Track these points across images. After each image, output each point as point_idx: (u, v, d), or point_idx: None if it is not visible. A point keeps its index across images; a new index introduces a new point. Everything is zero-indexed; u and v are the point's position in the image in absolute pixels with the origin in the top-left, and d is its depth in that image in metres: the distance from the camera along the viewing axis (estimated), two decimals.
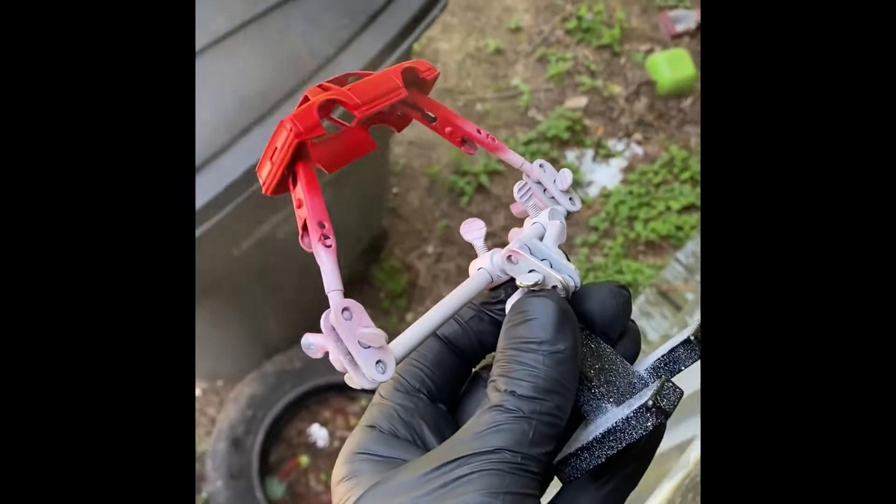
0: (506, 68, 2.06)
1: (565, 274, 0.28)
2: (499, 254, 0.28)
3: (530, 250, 0.28)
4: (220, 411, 1.46)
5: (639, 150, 1.96)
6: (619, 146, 1.96)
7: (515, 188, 0.32)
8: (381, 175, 1.43)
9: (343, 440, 1.54)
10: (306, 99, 0.27)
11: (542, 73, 2.05)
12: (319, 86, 0.28)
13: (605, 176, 1.93)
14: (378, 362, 0.24)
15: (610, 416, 0.26)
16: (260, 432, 1.39)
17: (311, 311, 1.54)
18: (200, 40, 0.92)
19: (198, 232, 0.90)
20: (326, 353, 0.25)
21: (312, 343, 0.25)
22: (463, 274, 1.88)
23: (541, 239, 0.29)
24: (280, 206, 1.09)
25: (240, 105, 0.92)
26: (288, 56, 0.95)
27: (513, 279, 0.28)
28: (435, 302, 1.52)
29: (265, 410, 1.41)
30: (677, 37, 2.11)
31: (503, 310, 0.28)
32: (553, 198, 0.32)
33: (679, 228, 1.80)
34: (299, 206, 0.27)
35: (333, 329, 0.24)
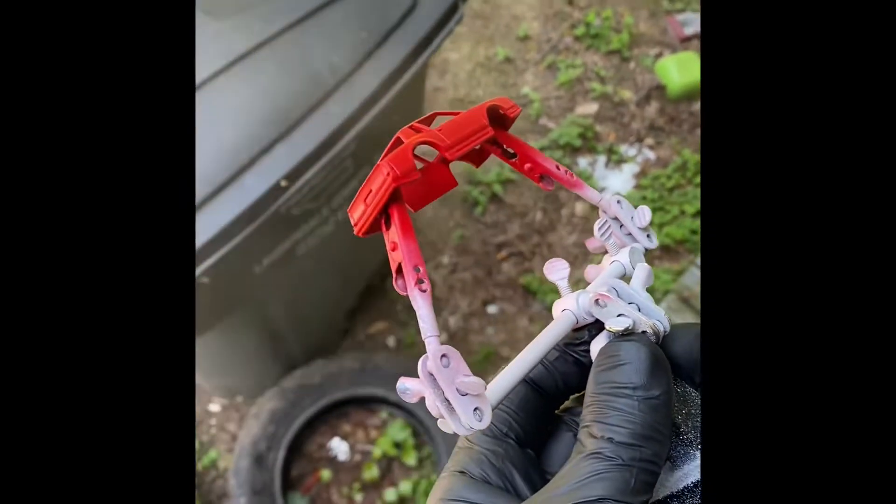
0: (516, 76, 2.06)
1: (655, 318, 0.28)
2: (585, 296, 0.28)
3: (617, 293, 0.28)
4: (241, 427, 1.46)
5: (651, 155, 1.95)
6: (632, 151, 1.96)
7: (596, 225, 0.32)
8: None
9: (364, 453, 1.53)
10: (398, 140, 0.27)
11: (552, 81, 2.05)
12: (410, 126, 0.28)
13: (619, 181, 1.92)
14: (475, 409, 0.24)
15: (699, 463, 0.26)
16: (282, 448, 1.39)
17: (328, 326, 1.55)
18: (221, 60, 0.92)
19: (221, 251, 0.90)
20: (422, 398, 0.25)
21: (408, 388, 0.25)
22: (479, 284, 1.87)
23: (622, 278, 0.29)
24: (299, 224, 1.09)
25: (262, 123, 0.92)
26: (308, 72, 0.95)
27: (597, 320, 0.28)
28: (452, 313, 1.51)
29: (286, 426, 1.41)
30: (686, 40, 2.11)
31: (587, 351, 0.28)
32: (630, 234, 0.32)
33: (694, 233, 1.80)
34: (393, 249, 0.27)
35: (431, 375, 0.24)
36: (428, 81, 2.06)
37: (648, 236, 0.32)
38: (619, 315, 0.27)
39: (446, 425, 0.25)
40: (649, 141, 1.97)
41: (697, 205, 1.85)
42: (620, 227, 0.32)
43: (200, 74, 0.90)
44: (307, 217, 1.11)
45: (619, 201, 0.31)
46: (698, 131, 1.99)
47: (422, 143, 0.26)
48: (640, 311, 0.28)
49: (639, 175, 1.93)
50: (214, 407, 1.59)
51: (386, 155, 0.27)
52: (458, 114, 0.28)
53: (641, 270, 0.29)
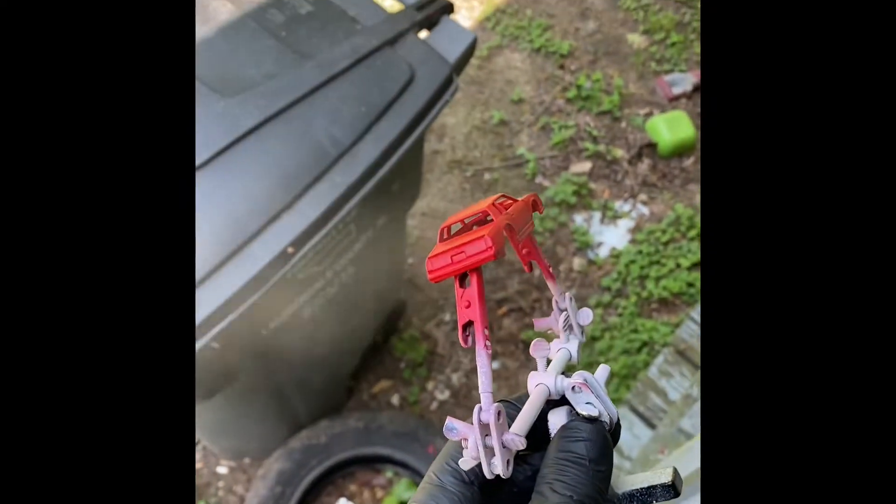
0: (511, 138, 2.13)
1: (610, 412, 0.33)
2: (563, 381, 0.34)
3: (588, 384, 0.34)
4: (249, 489, 1.47)
5: (645, 211, 2.01)
6: (626, 207, 2.01)
7: (556, 315, 0.38)
8: (399, 249, 1.48)
9: None
10: (485, 214, 0.33)
11: (546, 141, 2.12)
12: (496, 205, 0.33)
13: (614, 237, 1.97)
14: (508, 461, 0.30)
15: None
16: None
17: (333, 386, 1.58)
18: (229, 135, 0.98)
19: (230, 317, 0.94)
20: (464, 439, 0.30)
21: (456, 428, 0.30)
22: None
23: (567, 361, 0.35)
24: (305, 287, 1.14)
25: (268, 193, 0.97)
26: (311, 145, 1.01)
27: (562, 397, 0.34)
28: (455, 370, 1.54)
29: (293, 487, 1.42)
30: (674, 99, 2.19)
31: (544, 421, 0.34)
32: (571, 326, 0.38)
33: (690, 285, 1.84)
34: (467, 307, 0.32)
35: (485, 425, 0.30)
36: (427, 145, 2.13)
37: (582, 331, 0.39)
38: (587, 402, 0.33)
39: (467, 463, 0.30)
40: (643, 197, 2.03)
41: (692, 258, 1.89)
42: (566, 318, 0.38)
43: (210, 149, 0.95)
44: (312, 280, 1.15)
45: (570, 299, 0.38)
46: (690, 186, 2.05)
47: (506, 225, 0.32)
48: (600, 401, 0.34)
49: (634, 230, 1.98)
50: (222, 469, 1.61)
51: (473, 222, 0.33)
52: (516, 201, 0.35)
53: (603, 371, 0.35)
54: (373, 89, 1.06)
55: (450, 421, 0.30)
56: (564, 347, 0.37)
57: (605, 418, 0.33)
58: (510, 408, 0.34)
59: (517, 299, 1.88)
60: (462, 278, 0.32)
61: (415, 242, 1.96)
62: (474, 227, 0.34)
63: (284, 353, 1.26)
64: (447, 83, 1.11)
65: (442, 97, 1.11)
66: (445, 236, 0.35)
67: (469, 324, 0.32)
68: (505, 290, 1.89)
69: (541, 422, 0.33)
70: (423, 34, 1.16)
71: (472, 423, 0.30)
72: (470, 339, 0.33)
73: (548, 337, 0.38)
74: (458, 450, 0.32)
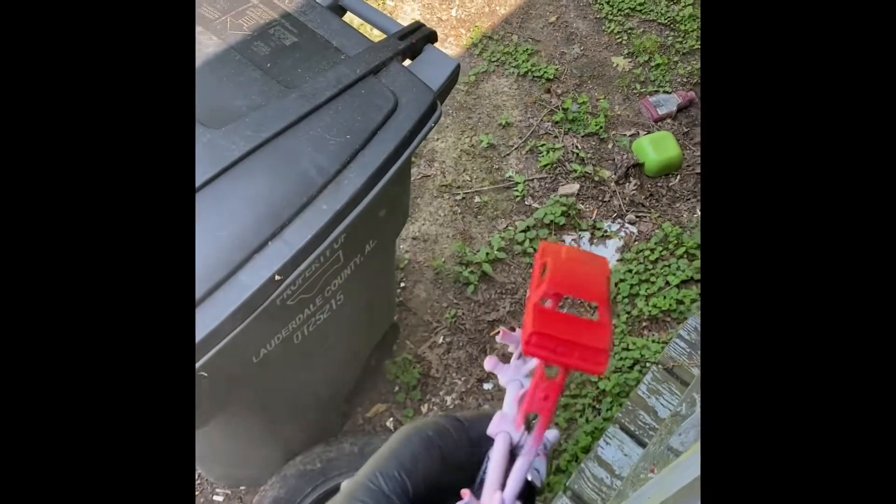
0: (500, 161, 2.16)
1: (543, 475, 0.34)
2: (524, 440, 0.33)
3: (545, 448, 0.34)
4: None
5: (633, 230, 2.03)
6: (614, 227, 2.03)
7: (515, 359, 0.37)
8: (389, 273, 1.49)
9: None
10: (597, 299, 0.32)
11: (534, 164, 2.14)
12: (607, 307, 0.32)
13: (604, 256, 1.99)
14: None
15: None
16: None
17: (327, 411, 1.58)
18: (216, 165, 0.99)
19: (219, 345, 0.95)
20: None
21: None
22: (474, 362, 1.91)
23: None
24: (295, 313, 1.15)
25: (255, 222, 0.99)
26: (297, 174, 1.03)
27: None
28: (449, 392, 1.55)
29: None
30: (659, 120, 2.22)
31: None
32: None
33: (680, 302, 1.85)
34: (544, 398, 0.31)
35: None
36: (416, 169, 2.16)
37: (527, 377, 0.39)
38: (536, 469, 0.33)
39: None
40: (631, 216, 2.05)
41: (681, 276, 1.91)
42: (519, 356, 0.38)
43: (198, 179, 0.97)
44: (302, 307, 1.16)
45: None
46: (677, 205, 2.08)
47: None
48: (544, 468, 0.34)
49: (623, 249, 2.00)
50: (218, 497, 1.61)
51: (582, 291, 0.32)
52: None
53: (554, 436, 0.35)
54: (357, 118, 1.09)
55: (469, 499, 0.30)
56: (516, 380, 0.36)
57: (541, 484, 0.34)
58: (459, 426, 0.34)
59: (509, 320, 1.89)
60: (551, 370, 0.32)
61: (406, 266, 1.98)
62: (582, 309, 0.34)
63: (276, 380, 1.27)
64: (431, 110, 1.13)
65: (426, 124, 1.13)
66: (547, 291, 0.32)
67: (534, 416, 0.32)
68: (497, 312, 1.91)
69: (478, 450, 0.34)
70: (407, 62, 1.19)
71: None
72: (526, 431, 0.33)
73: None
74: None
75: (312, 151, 1.04)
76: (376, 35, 1.23)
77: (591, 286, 0.31)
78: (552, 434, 0.35)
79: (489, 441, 0.34)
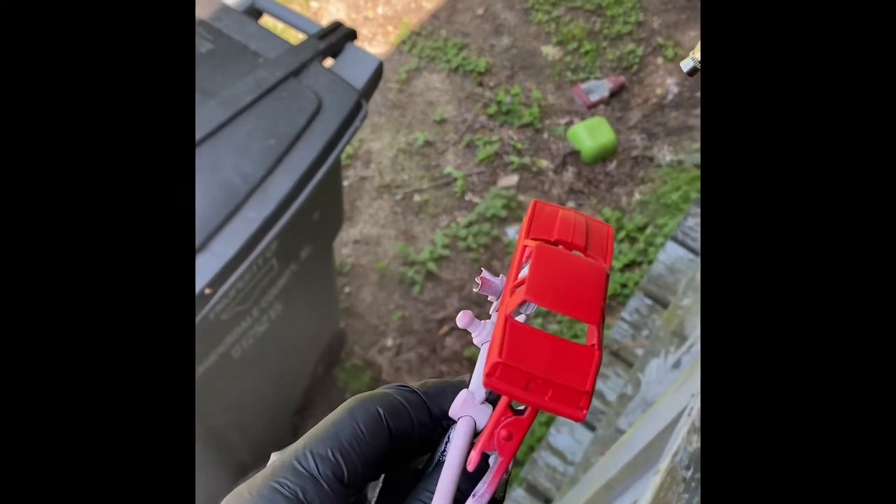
0: (437, 158, 2.15)
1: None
2: (480, 487, 0.28)
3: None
4: None
5: None
6: None
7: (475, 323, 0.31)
8: (329, 278, 1.47)
9: None
10: (588, 321, 0.26)
11: (472, 158, 2.14)
12: (598, 335, 0.27)
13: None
14: None
15: None
16: None
17: (276, 426, 1.55)
18: None
19: None
20: None
21: None
22: (425, 362, 1.89)
23: None
24: (231, 327, 1.11)
25: None
26: (221, 183, 0.99)
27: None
28: None
29: None
30: (593, 106, 2.24)
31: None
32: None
33: (624, 286, 1.87)
34: (506, 438, 0.26)
35: None
36: (353, 171, 2.13)
37: None
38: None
39: None
40: (571, 204, 2.06)
41: (624, 259, 1.92)
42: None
43: None
44: (238, 320, 1.13)
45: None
46: (616, 189, 2.10)
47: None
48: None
49: None
50: None
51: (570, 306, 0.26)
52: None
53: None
54: (280, 121, 1.06)
55: None
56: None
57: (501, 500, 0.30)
58: (416, 400, 0.30)
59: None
60: (521, 412, 0.26)
61: (350, 271, 1.95)
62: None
63: (218, 399, 1.23)
64: (356, 109, 1.11)
65: (352, 123, 1.11)
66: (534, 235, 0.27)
67: (491, 455, 0.27)
68: (445, 310, 1.89)
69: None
70: (329, 62, 1.16)
71: None
72: (451, 399, 0.28)
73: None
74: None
75: (235, 159, 1.01)
76: (299, 38, 1.20)
77: (581, 300, 0.25)
78: None
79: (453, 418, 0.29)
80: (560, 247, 0.28)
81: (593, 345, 0.26)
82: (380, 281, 1.94)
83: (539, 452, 1.23)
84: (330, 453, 0.27)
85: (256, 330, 1.19)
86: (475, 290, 0.31)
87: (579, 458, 1.11)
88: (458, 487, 0.27)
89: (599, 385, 1.23)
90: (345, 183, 2.10)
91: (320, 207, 1.19)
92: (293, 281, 1.22)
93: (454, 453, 0.27)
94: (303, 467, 0.27)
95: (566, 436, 1.19)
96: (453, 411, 0.29)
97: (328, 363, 1.72)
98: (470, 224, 2.00)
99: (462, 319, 0.28)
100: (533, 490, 1.17)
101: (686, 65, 0.34)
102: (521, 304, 0.26)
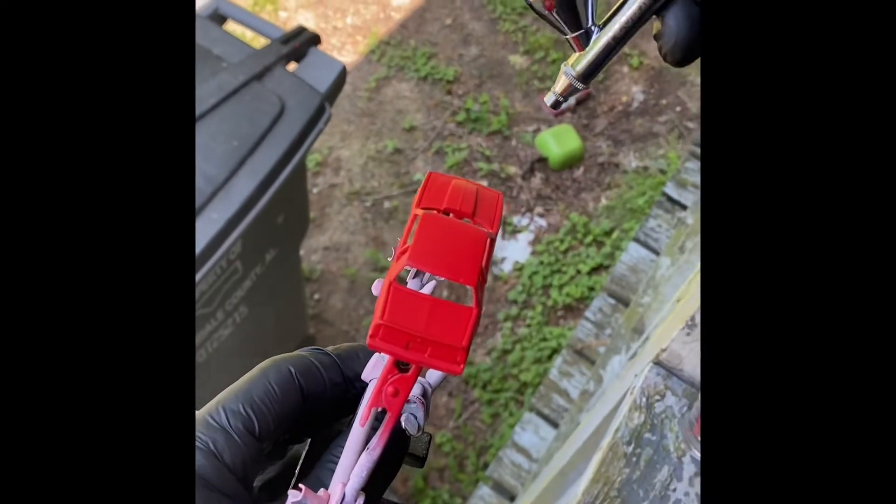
0: (407, 165, 2.16)
1: (422, 422, 0.31)
2: (373, 440, 0.30)
3: (424, 390, 0.31)
4: None
5: (542, 223, 2.07)
6: (524, 221, 2.07)
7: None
8: (296, 283, 1.47)
9: None
10: (465, 280, 0.27)
11: (441, 165, 2.16)
12: (481, 279, 0.28)
13: (516, 251, 2.02)
14: None
15: None
16: None
17: None
18: None
19: None
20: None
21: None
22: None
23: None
24: (196, 330, 1.11)
25: None
26: None
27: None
28: None
29: None
30: (560, 114, 2.27)
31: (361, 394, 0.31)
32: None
33: (591, 289, 1.89)
34: (393, 395, 0.28)
35: None
36: (323, 178, 2.14)
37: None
38: (412, 415, 0.30)
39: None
40: (539, 209, 2.09)
41: (591, 263, 1.95)
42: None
43: None
44: (202, 323, 1.13)
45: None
46: (583, 195, 2.13)
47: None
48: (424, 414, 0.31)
49: (534, 242, 2.03)
50: None
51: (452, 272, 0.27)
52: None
53: (435, 376, 0.32)
54: (243, 124, 1.07)
55: (305, 495, 0.27)
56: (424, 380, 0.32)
57: (418, 431, 0.30)
58: (328, 361, 0.31)
59: None
60: (405, 367, 0.28)
61: (319, 277, 1.95)
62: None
63: None
64: (319, 112, 1.13)
65: (315, 126, 1.12)
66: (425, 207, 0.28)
67: (382, 412, 0.28)
68: None
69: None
70: (292, 67, 1.18)
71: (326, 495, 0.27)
72: (364, 361, 0.30)
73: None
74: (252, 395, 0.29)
75: (198, 160, 1.02)
76: (264, 44, 1.21)
77: (463, 259, 0.27)
78: (434, 375, 0.32)
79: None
80: (450, 215, 0.29)
81: (473, 305, 0.27)
82: (350, 287, 1.95)
83: (504, 451, 1.24)
84: (241, 408, 0.28)
85: (221, 334, 1.19)
86: (388, 258, 0.33)
87: (543, 455, 1.13)
88: (365, 447, 0.29)
89: (563, 383, 1.25)
90: (314, 190, 2.11)
91: (285, 210, 1.20)
92: (259, 284, 1.23)
93: (359, 415, 0.29)
94: (215, 421, 0.28)
95: (531, 434, 1.21)
96: (365, 374, 0.30)
97: None
98: None
99: (375, 288, 0.29)
100: (499, 487, 1.18)
101: (549, 99, 0.36)
102: (406, 269, 0.28)
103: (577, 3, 0.33)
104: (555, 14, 0.33)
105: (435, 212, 0.29)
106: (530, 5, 0.32)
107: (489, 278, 2.02)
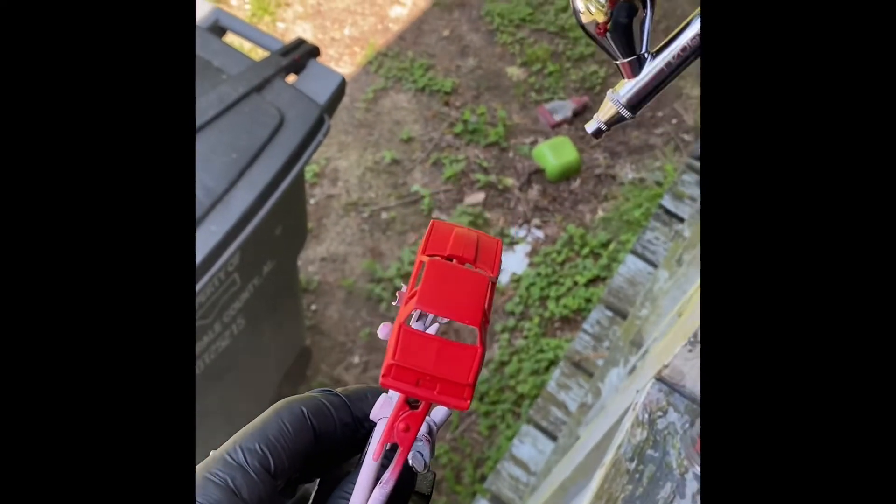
0: (404, 176, 2.16)
1: (429, 459, 0.33)
2: (386, 473, 0.32)
3: (429, 430, 0.33)
4: None
5: (539, 234, 2.07)
6: (521, 233, 2.07)
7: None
8: (293, 295, 1.47)
9: None
10: (469, 320, 0.29)
11: (438, 176, 2.16)
12: (483, 325, 0.29)
13: (513, 262, 2.02)
14: None
15: None
16: None
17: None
18: None
19: None
20: None
21: None
22: None
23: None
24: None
25: None
26: None
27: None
28: None
29: None
30: (557, 126, 2.28)
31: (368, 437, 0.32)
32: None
33: (588, 301, 1.89)
34: (404, 430, 0.29)
35: None
36: (320, 189, 2.14)
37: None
38: (419, 452, 0.32)
39: None
40: (536, 221, 2.09)
41: (588, 274, 1.95)
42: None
43: None
44: (200, 334, 1.12)
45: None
46: (579, 206, 2.13)
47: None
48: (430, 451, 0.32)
49: (531, 253, 2.03)
50: None
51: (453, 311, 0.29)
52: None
53: (444, 413, 0.33)
54: (242, 135, 1.07)
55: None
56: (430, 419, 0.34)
57: (424, 468, 0.32)
58: (338, 402, 0.32)
59: None
60: (415, 405, 0.30)
61: (317, 288, 1.95)
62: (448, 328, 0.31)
63: None
64: (318, 124, 1.13)
65: (314, 138, 1.12)
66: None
67: (394, 447, 0.30)
68: None
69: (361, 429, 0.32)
70: (292, 79, 1.18)
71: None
72: (372, 402, 0.31)
73: None
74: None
75: (198, 172, 1.01)
76: (263, 56, 1.21)
77: (467, 302, 0.29)
78: (440, 413, 0.34)
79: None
80: (453, 261, 0.31)
81: (477, 344, 0.29)
82: (347, 298, 1.94)
83: (502, 464, 1.24)
84: (257, 447, 0.30)
85: (219, 345, 1.19)
86: (394, 303, 0.35)
87: (541, 468, 1.12)
88: (376, 482, 0.30)
89: (562, 396, 1.24)
90: (312, 201, 2.11)
91: (283, 222, 1.20)
92: (256, 296, 1.23)
93: (371, 451, 0.30)
94: (233, 459, 0.30)
95: (529, 446, 1.20)
96: (373, 413, 0.32)
97: (294, 381, 1.71)
98: None
99: (382, 331, 0.31)
100: (497, 500, 1.17)
101: (591, 126, 0.34)
102: (413, 312, 0.30)
103: (633, 27, 0.32)
104: (608, 38, 0.32)
105: (439, 258, 0.30)
106: (582, 27, 0.31)
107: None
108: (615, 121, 0.33)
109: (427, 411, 0.29)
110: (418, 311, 0.32)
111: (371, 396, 0.33)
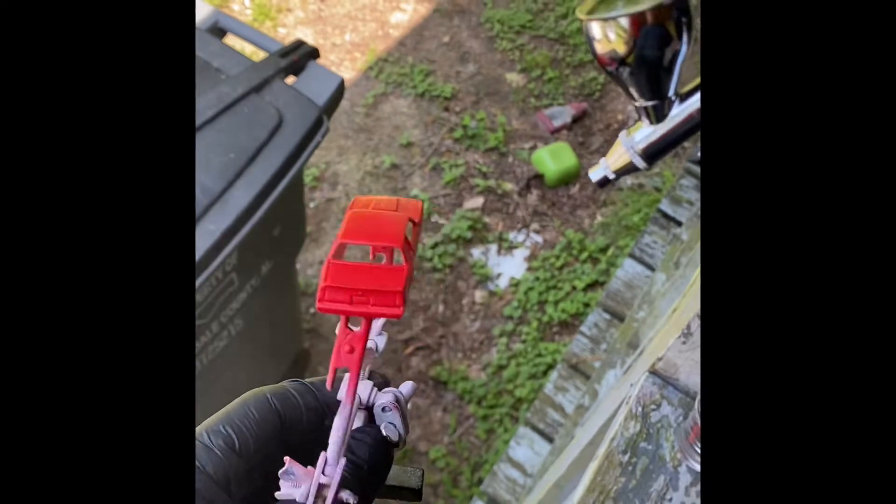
0: (404, 181, 2.17)
1: (405, 432, 0.34)
2: (376, 396, 0.34)
3: (399, 402, 0.34)
4: None
5: (538, 239, 2.07)
6: (520, 237, 2.07)
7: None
8: (292, 296, 1.47)
9: None
10: (392, 247, 0.31)
11: (438, 181, 2.17)
12: (408, 241, 0.31)
13: (512, 266, 2.02)
14: None
15: None
16: None
17: None
18: None
19: None
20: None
21: (294, 474, 0.30)
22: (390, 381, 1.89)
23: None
24: None
25: None
26: None
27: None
28: None
29: None
30: (556, 131, 2.29)
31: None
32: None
33: (587, 305, 1.89)
34: (349, 351, 0.30)
35: (324, 485, 0.30)
36: (320, 193, 2.14)
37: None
38: (391, 423, 0.34)
39: (286, 496, 0.30)
40: (535, 226, 2.09)
41: (587, 279, 1.95)
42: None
43: None
44: (197, 334, 1.12)
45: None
46: (578, 212, 2.14)
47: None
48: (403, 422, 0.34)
49: (529, 258, 2.03)
50: None
51: (379, 247, 0.31)
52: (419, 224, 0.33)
53: (410, 387, 0.35)
54: (241, 135, 1.07)
55: (289, 465, 0.29)
56: (373, 340, 0.36)
57: (398, 439, 0.34)
58: (304, 389, 0.34)
59: (423, 337, 1.88)
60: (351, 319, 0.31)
61: (315, 292, 1.95)
62: (378, 255, 0.33)
63: None
64: (317, 125, 1.13)
65: (313, 139, 1.13)
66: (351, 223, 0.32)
67: (343, 370, 0.31)
68: (410, 329, 1.90)
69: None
70: (291, 80, 1.18)
71: (311, 470, 0.30)
72: (338, 386, 0.33)
73: None
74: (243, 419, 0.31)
75: (196, 171, 1.02)
76: (257, 53, 1.22)
77: (387, 231, 0.31)
78: (406, 386, 0.35)
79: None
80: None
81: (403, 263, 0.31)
82: None
83: (499, 466, 1.24)
84: (221, 427, 0.31)
85: (216, 345, 1.19)
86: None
87: (537, 470, 1.12)
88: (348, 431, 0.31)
89: (559, 398, 1.24)
90: (311, 205, 2.11)
91: (281, 223, 1.20)
92: (254, 296, 1.23)
93: (338, 422, 0.31)
94: (198, 441, 0.31)
95: (525, 448, 1.20)
96: (340, 393, 0.33)
97: (294, 377, 1.71)
98: (436, 245, 2.02)
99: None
100: (493, 502, 1.17)
101: (596, 174, 0.31)
102: (339, 250, 0.32)
103: (661, 66, 0.27)
104: (628, 74, 0.27)
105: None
106: (598, 59, 0.28)
107: (485, 294, 2.00)
108: (626, 170, 0.29)
109: (368, 329, 0.30)
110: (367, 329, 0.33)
111: (336, 381, 0.34)
